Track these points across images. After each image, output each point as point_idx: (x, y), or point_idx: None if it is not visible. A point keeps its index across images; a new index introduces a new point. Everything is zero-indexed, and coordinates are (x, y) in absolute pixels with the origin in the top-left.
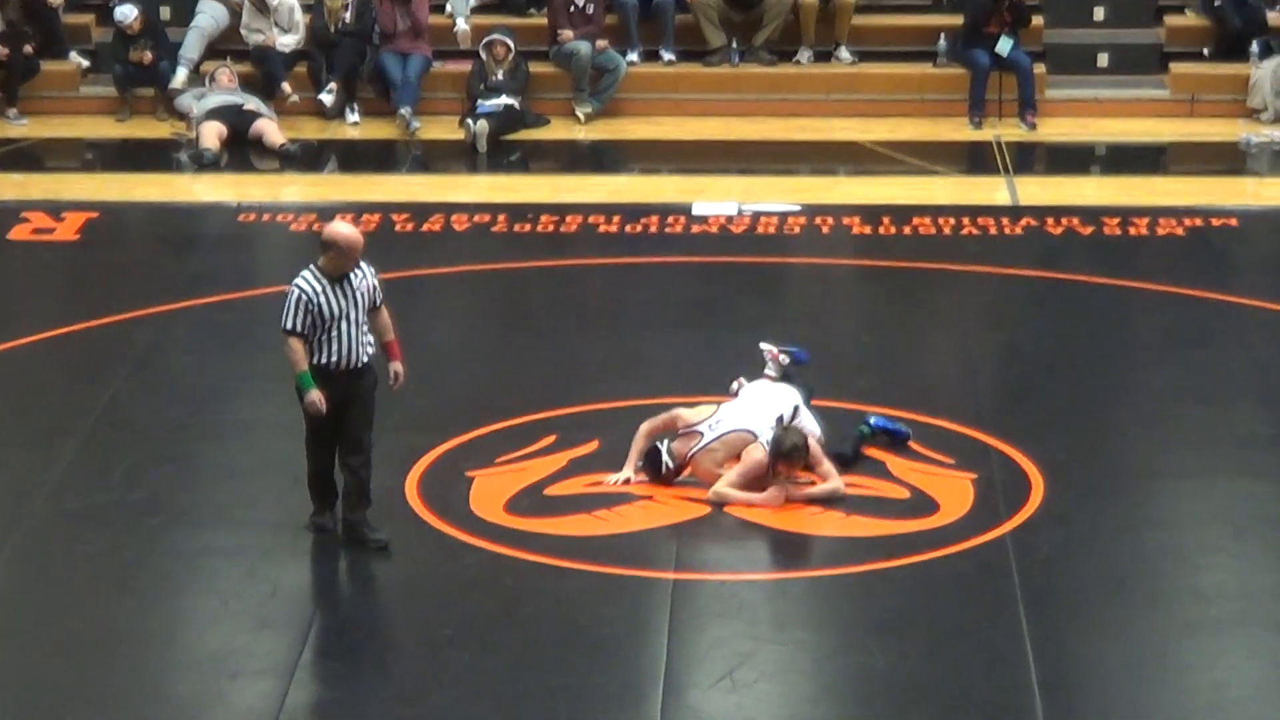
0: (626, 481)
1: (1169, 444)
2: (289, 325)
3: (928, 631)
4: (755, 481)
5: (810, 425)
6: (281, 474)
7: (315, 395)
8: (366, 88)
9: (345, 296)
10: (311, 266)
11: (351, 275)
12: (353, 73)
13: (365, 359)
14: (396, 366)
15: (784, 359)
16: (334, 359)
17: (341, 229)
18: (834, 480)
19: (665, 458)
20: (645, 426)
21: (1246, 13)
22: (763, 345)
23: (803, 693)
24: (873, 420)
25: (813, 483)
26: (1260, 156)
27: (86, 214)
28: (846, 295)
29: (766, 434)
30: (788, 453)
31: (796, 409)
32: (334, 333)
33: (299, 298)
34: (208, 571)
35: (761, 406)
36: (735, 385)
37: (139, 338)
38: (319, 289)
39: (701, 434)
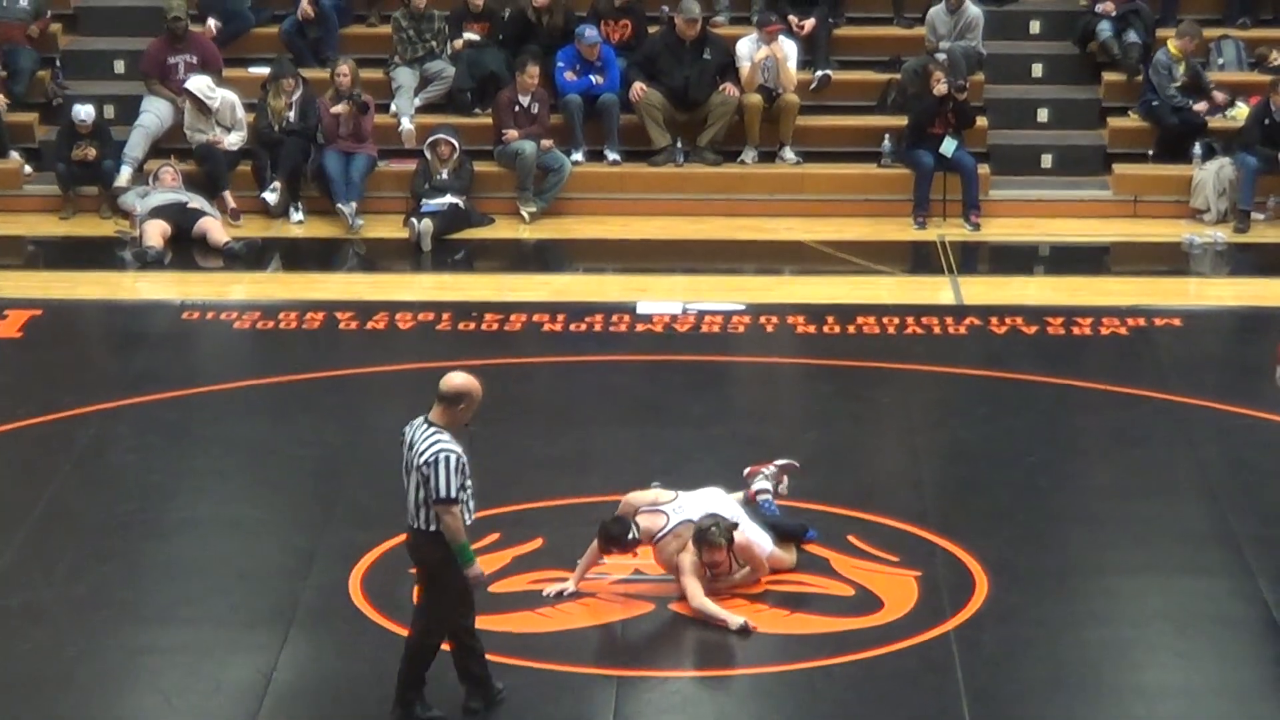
0: (560, 594)
1: (1112, 541)
2: (453, 494)
3: None
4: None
5: (755, 534)
6: (225, 571)
7: (479, 569)
8: (310, 186)
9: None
10: (438, 428)
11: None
12: (296, 171)
13: None
14: None
15: (781, 488)
16: (467, 522)
17: (467, 380)
18: (751, 570)
19: (633, 531)
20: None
21: (1184, 115)
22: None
23: None
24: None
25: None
26: (1203, 257)
27: (30, 311)
28: (791, 394)
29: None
30: (698, 535)
31: (737, 524)
32: (469, 494)
33: (457, 461)
34: (150, 669)
35: (716, 505)
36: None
37: (82, 435)
38: (462, 447)
39: (667, 515)
